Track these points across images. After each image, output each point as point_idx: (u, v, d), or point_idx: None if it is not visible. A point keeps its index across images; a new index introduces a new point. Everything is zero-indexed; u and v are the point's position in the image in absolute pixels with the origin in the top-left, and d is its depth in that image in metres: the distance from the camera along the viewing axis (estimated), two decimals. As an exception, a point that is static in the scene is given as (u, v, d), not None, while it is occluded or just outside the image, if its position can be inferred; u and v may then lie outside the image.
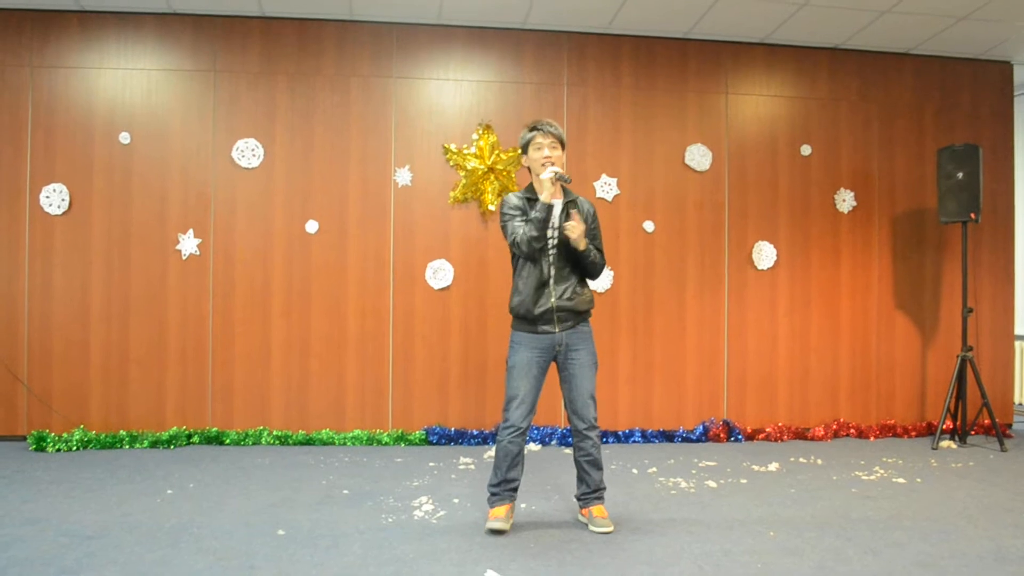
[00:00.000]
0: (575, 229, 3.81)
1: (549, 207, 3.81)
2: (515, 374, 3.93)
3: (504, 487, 3.94)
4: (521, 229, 3.87)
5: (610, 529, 3.89)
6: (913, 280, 6.93)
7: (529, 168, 4.02)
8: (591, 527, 3.91)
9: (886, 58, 6.93)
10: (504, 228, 3.96)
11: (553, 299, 3.90)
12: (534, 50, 6.51)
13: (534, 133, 3.95)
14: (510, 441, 3.89)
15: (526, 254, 3.89)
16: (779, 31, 6.50)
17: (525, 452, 4.06)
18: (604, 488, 4.03)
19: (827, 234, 6.81)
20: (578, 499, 4.06)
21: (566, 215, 3.92)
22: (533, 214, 3.83)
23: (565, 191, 4.01)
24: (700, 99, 6.70)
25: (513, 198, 4.00)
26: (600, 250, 4.06)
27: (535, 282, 3.90)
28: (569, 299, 3.93)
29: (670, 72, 6.67)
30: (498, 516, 3.89)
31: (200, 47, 6.21)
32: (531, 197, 3.94)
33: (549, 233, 3.91)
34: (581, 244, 3.86)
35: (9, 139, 6.03)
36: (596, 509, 3.96)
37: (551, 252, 3.92)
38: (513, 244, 3.92)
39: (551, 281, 3.91)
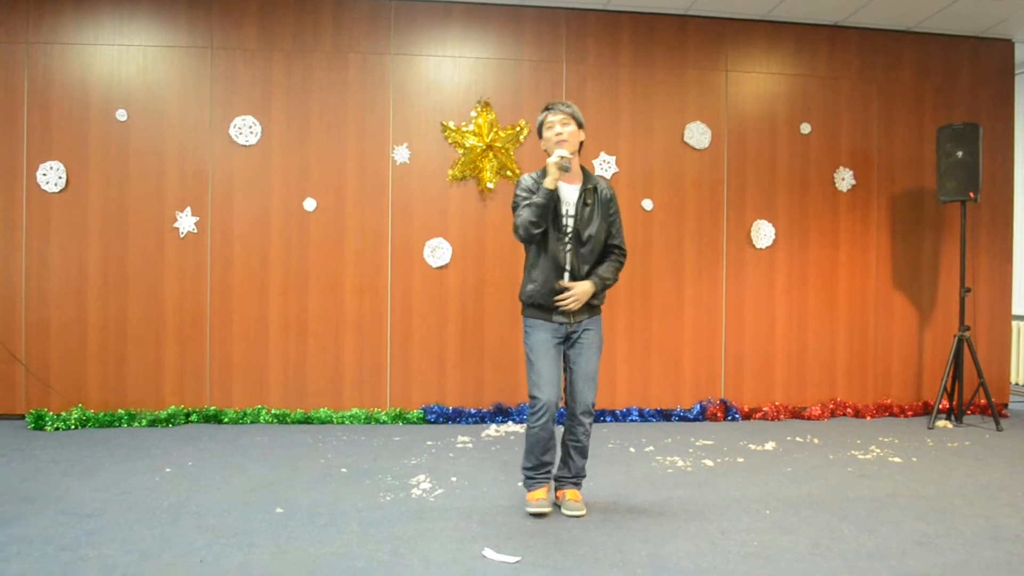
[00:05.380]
0: (570, 300, 3.79)
1: (550, 193, 3.71)
2: (536, 355, 3.83)
3: (540, 471, 3.89)
4: (523, 214, 3.76)
5: (582, 513, 3.84)
6: (911, 259, 6.93)
7: (546, 151, 3.90)
8: (563, 510, 3.87)
9: (887, 36, 6.89)
10: (514, 209, 3.86)
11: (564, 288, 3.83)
12: (533, 27, 6.47)
13: (545, 113, 3.87)
14: (541, 428, 3.80)
15: (524, 239, 3.80)
16: (779, 8, 6.46)
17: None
18: (584, 476, 4.00)
19: (826, 213, 6.80)
20: (555, 479, 4.03)
21: (583, 201, 3.82)
22: (534, 198, 3.74)
23: (585, 174, 3.89)
24: (700, 77, 6.67)
25: (527, 179, 3.87)
26: (617, 236, 3.95)
27: (551, 272, 3.81)
28: None
29: (669, 49, 6.63)
30: (539, 498, 3.85)
31: (196, 23, 6.17)
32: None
33: (564, 221, 3.81)
34: (585, 299, 3.82)
35: (5, 116, 6.00)
36: (570, 492, 3.93)
37: (567, 241, 3.83)
38: (514, 228, 3.82)
39: (568, 274, 3.83)
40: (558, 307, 3.82)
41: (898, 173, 6.92)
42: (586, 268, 3.86)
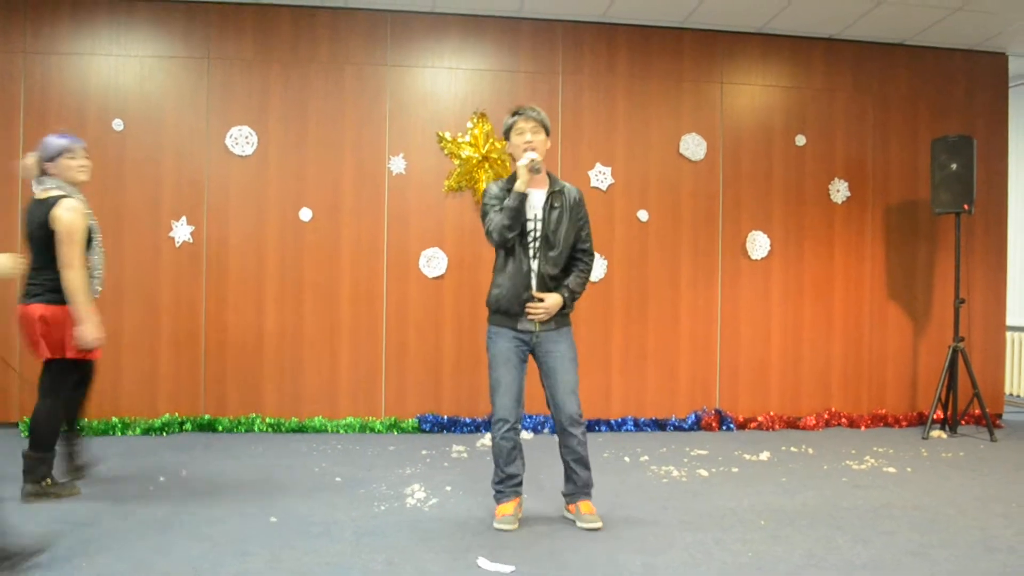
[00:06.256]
0: (540, 312, 3.79)
1: (522, 196, 3.72)
2: (496, 364, 3.85)
3: (506, 484, 3.85)
4: (495, 220, 3.78)
5: (598, 525, 3.78)
6: (906, 271, 6.95)
7: (512, 155, 3.92)
8: (579, 523, 3.82)
9: (881, 49, 6.93)
10: (483, 218, 3.87)
11: (536, 297, 3.82)
12: (529, 39, 6.49)
13: (516, 118, 3.86)
14: (502, 438, 3.80)
15: (498, 244, 3.81)
16: (775, 21, 6.49)
17: (522, 444, 3.96)
18: (592, 485, 3.93)
19: (821, 224, 6.82)
20: (564, 495, 3.96)
21: (550, 205, 3.83)
22: (506, 202, 3.74)
23: (551, 179, 3.90)
24: (695, 88, 6.70)
25: (494, 187, 3.90)
26: (586, 241, 3.94)
27: (516, 276, 3.81)
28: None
29: (665, 61, 6.66)
30: (505, 514, 3.79)
31: (193, 34, 6.19)
32: (511, 187, 3.80)
33: (531, 226, 3.81)
34: (555, 310, 3.82)
35: (2, 125, 6.01)
36: (584, 505, 3.86)
37: (532, 246, 3.82)
38: (486, 233, 3.83)
39: (534, 278, 3.82)
40: (524, 314, 3.82)
41: (893, 185, 6.95)
42: (552, 273, 3.83)
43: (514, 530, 3.76)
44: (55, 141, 4.19)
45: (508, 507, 3.83)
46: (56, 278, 4.04)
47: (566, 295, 3.84)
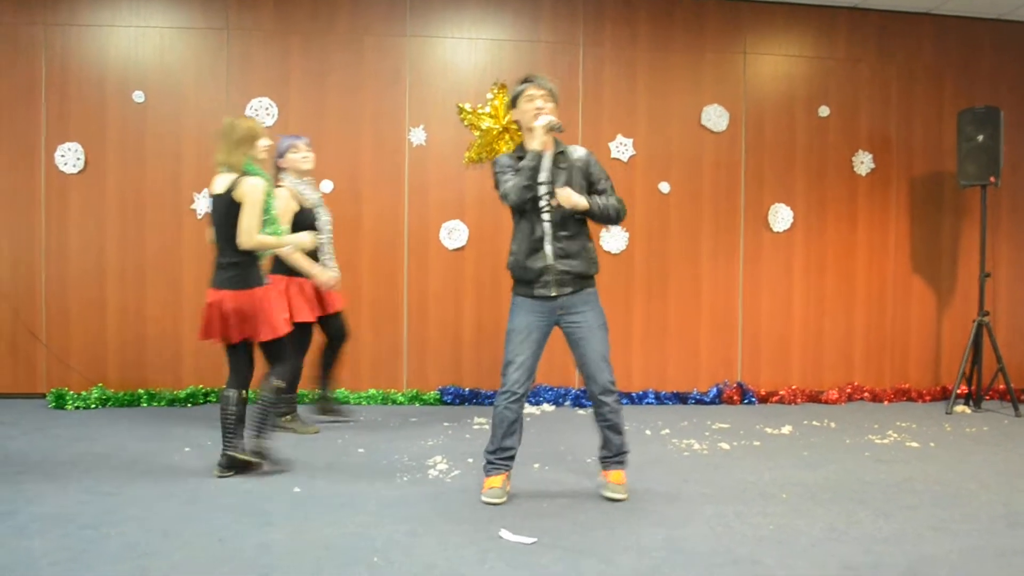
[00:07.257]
0: (566, 200, 3.69)
1: (539, 155, 3.70)
2: (513, 338, 3.85)
3: (499, 455, 3.84)
4: (511, 181, 3.75)
5: (623, 497, 3.79)
6: (930, 244, 6.87)
7: (518, 122, 3.90)
8: (604, 491, 3.84)
9: (907, 18, 6.81)
10: (497, 186, 3.84)
11: (550, 259, 3.77)
12: (550, 9, 6.43)
13: (526, 85, 3.82)
14: (506, 407, 3.80)
15: (516, 204, 3.76)
16: (799, -11, 6.40)
17: (525, 417, 3.91)
18: (626, 452, 3.93)
19: (844, 196, 6.75)
20: (600, 460, 3.97)
21: (556, 166, 3.80)
22: (523, 163, 3.72)
23: (555, 142, 3.86)
24: (717, 59, 6.62)
25: (504, 157, 3.87)
26: (610, 192, 3.88)
27: (529, 240, 3.79)
28: (568, 259, 3.78)
29: (687, 32, 6.58)
30: (493, 487, 3.78)
31: (212, 4, 6.16)
32: (521, 156, 3.79)
33: (542, 190, 3.78)
34: (581, 205, 3.72)
35: (24, 97, 6.02)
36: (613, 474, 3.87)
37: (544, 208, 3.78)
38: (503, 196, 3.78)
39: (545, 239, 3.78)
40: (539, 280, 3.79)
41: (917, 157, 6.86)
42: (564, 235, 3.79)
43: (502, 504, 3.74)
44: (282, 141, 5.06)
45: (496, 480, 3.82)
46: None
47: (588, 199, 3.76)
